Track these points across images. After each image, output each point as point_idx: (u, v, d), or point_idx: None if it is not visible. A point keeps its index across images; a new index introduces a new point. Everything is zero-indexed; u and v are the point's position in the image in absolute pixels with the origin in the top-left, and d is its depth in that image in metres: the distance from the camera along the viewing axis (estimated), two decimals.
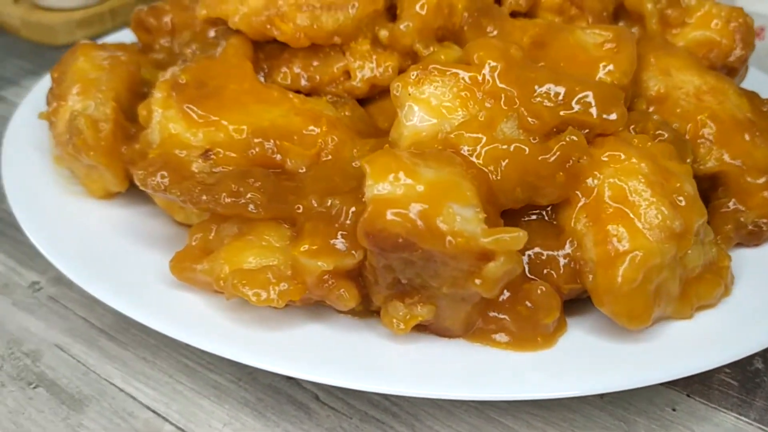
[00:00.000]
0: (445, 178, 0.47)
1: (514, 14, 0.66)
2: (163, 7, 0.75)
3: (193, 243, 0.54)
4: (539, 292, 0.50)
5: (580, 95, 0.54)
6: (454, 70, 0.54)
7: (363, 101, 0.63)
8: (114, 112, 0.59)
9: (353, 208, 0.50)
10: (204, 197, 0.52)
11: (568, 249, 0.52)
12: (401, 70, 0.61)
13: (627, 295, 0.49)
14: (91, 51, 0.66)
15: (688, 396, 0.54)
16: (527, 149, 0.51)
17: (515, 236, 0.45)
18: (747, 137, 0.61)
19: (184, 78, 0.58)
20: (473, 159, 0.51)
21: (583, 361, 0.49)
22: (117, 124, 0.59)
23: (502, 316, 0.50)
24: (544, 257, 0.52)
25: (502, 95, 0.53)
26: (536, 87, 0.54)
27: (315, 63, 0.61)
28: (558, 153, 0.51)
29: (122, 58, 0.65)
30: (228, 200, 0.51)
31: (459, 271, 0.46)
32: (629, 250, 0.49)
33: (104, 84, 0.62)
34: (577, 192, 0.52)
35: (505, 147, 0.51)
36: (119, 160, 0.60)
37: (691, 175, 0.54)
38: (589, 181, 0.52)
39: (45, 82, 0.77)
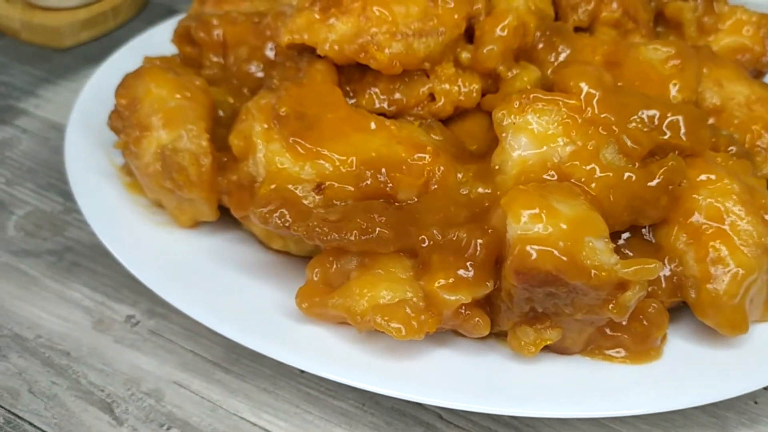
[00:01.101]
0: (580, 213, 0.50)
1: (575, 29, 0.69)
2: (210, 21, 0.73)
3: (315, 278, 0.55)
4: (652, 309, 0.54)
5: (670, 119, 0.57)
6: (556, 98, 0.56)
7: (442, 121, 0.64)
8: (209, 145, 0.59)
9: (480, 240, 0.52)
10: (334, 235, 0.52)
11: (668, 266, 0.56)
12: (484, 92, 0.63)
13: (730, 308, 0.54)
14: (160, 75, 0.64)
15: (765, 389, 0.59)
16: (634, 176, 0.54)
17: (652, 267, 0.49)
18: None
19: (285, 110, 0.58)
20: (587, 188, 0.54)
21: (692, 372, 0.54)
22: (213, 156, 0.59)
23: (620, 334, 0.54)
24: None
25: (601, 122, 0.56)
26: (631, 112, 0.57)
27: (399, 86, 0.62)
28: (662, 178, 0.54)
29: (197, 83, 0.64)
30: (360, 238, 0.52)
31: (596, 300, 0.50)
32: (731, 267, 0.54)
33: (189, 113, 0.61)
34: (677, 213, 0.56)
35: (615, 175, 0.54)
36: (216, 192, 0.59)
37: (766, 188, 0.59)
38: (689, 202, 0.56)
39: (85, 99, 0.75)
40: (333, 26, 0.60)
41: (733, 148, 0.62)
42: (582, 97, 0.56)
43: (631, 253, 0.56)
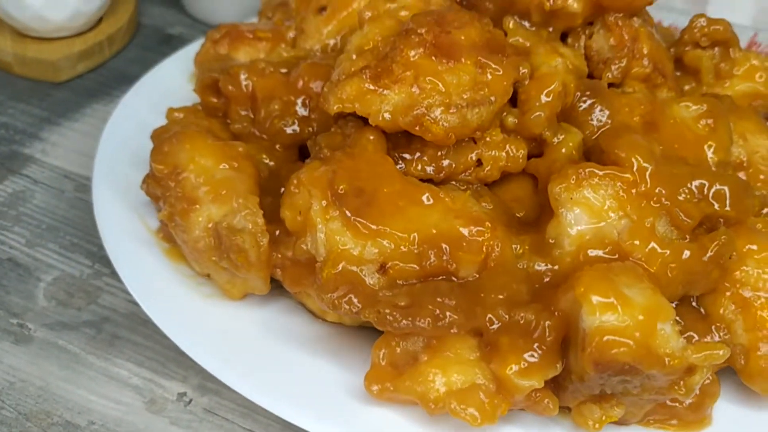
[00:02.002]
0: (651, 300, 0.51)
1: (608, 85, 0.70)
2: (238, 73, 0.71)
3: (382, 362, 0.55)
4: (707, 381, 0.56)
5: (717, 188, 0.59)
6: (612, 172, 0.57)
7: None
8: (264, 222, 0.58)
9: (549, 322, 0.53)
10: (404, 322, 0.53)
11: (716, 333, 0.58)
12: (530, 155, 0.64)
13: None
14: (201, 142, 0.63)
15: None
16: (689, 252, 0.56)
17: (721, 354, 0.51)
18: None
19: (343, 187, 0.57)
20: (647, 267, 0.55)
21: None
22: (270, 234, 0.58)
23: (677, 405, 0.56)
24: (696, 342, 0.58)
25: (654, 195, 0.57)
26: (681, 183, 0.58)
27: (447, 153, 0.62)
28: (714, 252, 0.56)
29: (240, 149, 0.63)
30: (432, 325, 0.52)
31: (666, 383, 0.51)
32: None
33: (238, 186, 0.59)
34: (726, 283, 0.58)
35: (672, 253, 0.55)
36: (270, 268, 0.59)
37: None
38: (737, 273, 0.58)
39: (105, 152, 0.73)
40: (386, 96, 0.59)
41: (766, 209, 0.65)
42: (635, 170, 0.58)
43: (682, 322, 0.58)
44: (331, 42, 0.77)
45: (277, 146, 0.70)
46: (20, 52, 0.89)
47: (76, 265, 0.69)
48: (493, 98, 0.61)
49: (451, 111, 0.59)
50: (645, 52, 0.70)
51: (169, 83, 0.84)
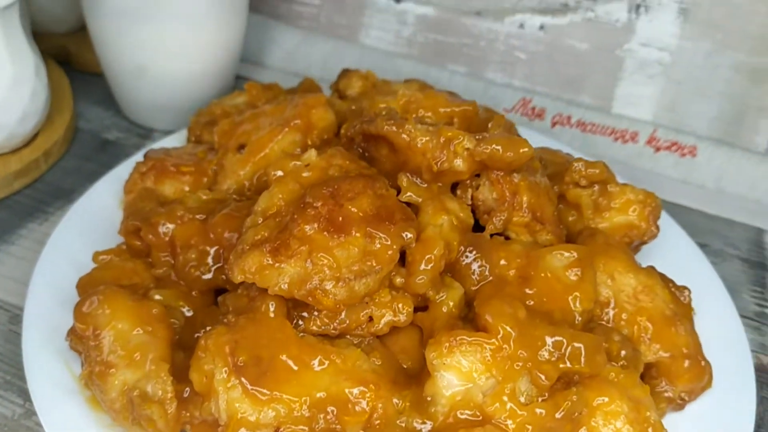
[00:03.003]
0: None
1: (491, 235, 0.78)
2: (158, 223, 0.78)
3: None
4: None
5: (573, 347, 0.68)
6: (479, 340, 0.66)
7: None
8: (174, 389, 0.65)
9: None
10: None
11: None
12: (416, 308, 0.72)
13: None
14: (119, 304, 0.69)
15: None
16: (543, 411, 0.65)
17: None
18: (673, 330, 0.79)
19: (243, 359, 0.64)
20: (507, 428, 0.64)
21: None
22: (178, 398, 0.65)
23: None
24: None
25: (517, 358, 0.66)
26: (541, 345, 0.67)
27: (342, 313, 0.70)
28: (565, 412, 0.65)
29: (155, 311, 0.70)
30: None
31: None
32: None
33: (152, 350, 0.66)
34: None
35: (529, 413, 0.64)
36: (180, 426, 0.66)
37: (649, 394, 0.71)
38: (588, 426, 0.67)
39: (36, 291, 0.79)
40: (283, 270, 0.67)
41: (624, 352, 0.74)
42: (500, 337, 0.66)
43: None
44: (247, 183, 0.85)
45: (194, 292, 0.77)
46: None
47: (8, 405, 0.75)
48: (379, 267, 0.69)
49: (340, 284, 0.67)
50: (524, 204, 0.78)
51: (100, 210, 0.90)
